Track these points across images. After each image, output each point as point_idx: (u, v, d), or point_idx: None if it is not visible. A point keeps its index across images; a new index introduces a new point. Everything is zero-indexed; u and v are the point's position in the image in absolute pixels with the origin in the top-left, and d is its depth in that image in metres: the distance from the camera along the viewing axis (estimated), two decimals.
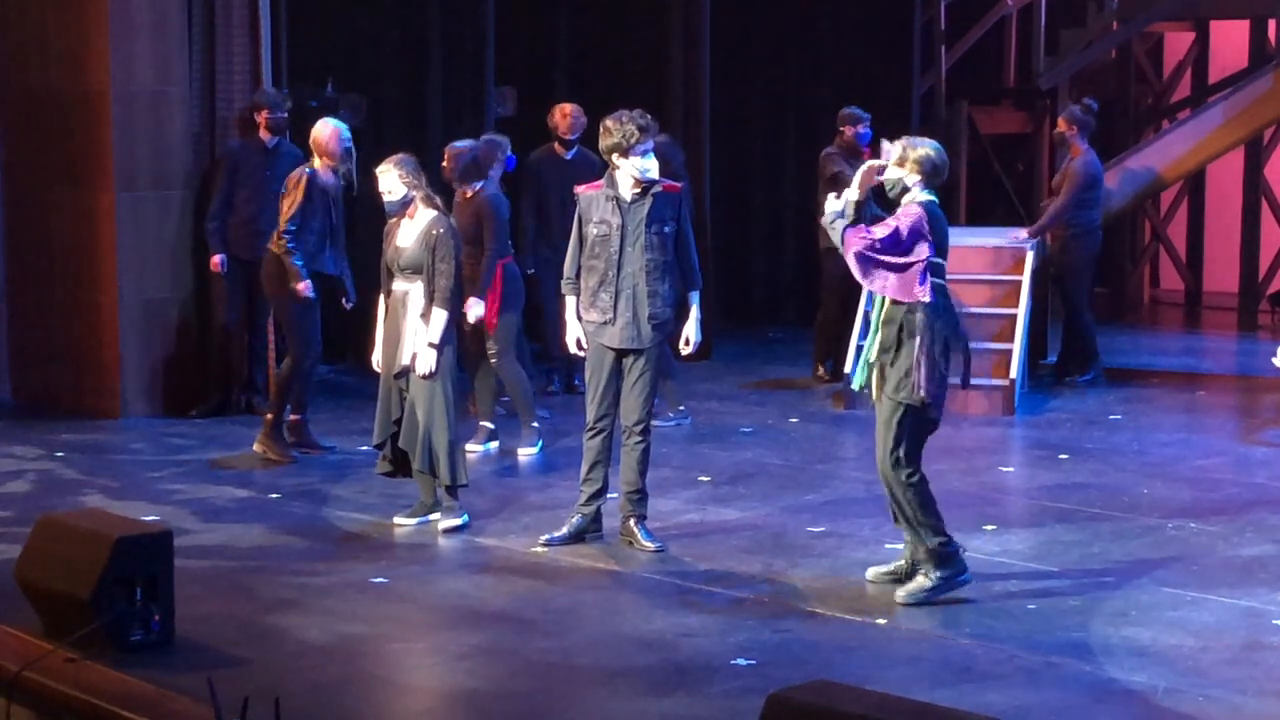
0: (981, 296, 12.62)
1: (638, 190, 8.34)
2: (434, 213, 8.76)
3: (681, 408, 11.35)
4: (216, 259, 11.34)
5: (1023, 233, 12.98)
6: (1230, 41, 17.48)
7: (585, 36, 14.80)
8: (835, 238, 7.60)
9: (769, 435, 11.26)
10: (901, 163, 7.62)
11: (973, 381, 11.88)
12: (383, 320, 8.90)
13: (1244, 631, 7.23)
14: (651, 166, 8.33)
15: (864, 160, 12.23)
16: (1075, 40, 16.72)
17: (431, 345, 8.63)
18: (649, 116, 8.38)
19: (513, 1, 13.91)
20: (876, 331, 7.60)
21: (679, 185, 8.58)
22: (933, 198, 7.64)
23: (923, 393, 7.44)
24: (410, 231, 8.76)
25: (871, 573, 7.90)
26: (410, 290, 8.73)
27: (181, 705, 6.19)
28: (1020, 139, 17.42)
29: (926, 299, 7.43)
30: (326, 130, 10.17)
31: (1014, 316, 12.34)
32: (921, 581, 7.59)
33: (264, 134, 11.36)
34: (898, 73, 15.78)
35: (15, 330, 12.10)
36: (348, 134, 10.24)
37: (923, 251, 7.44)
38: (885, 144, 7.79)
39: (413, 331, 8.69)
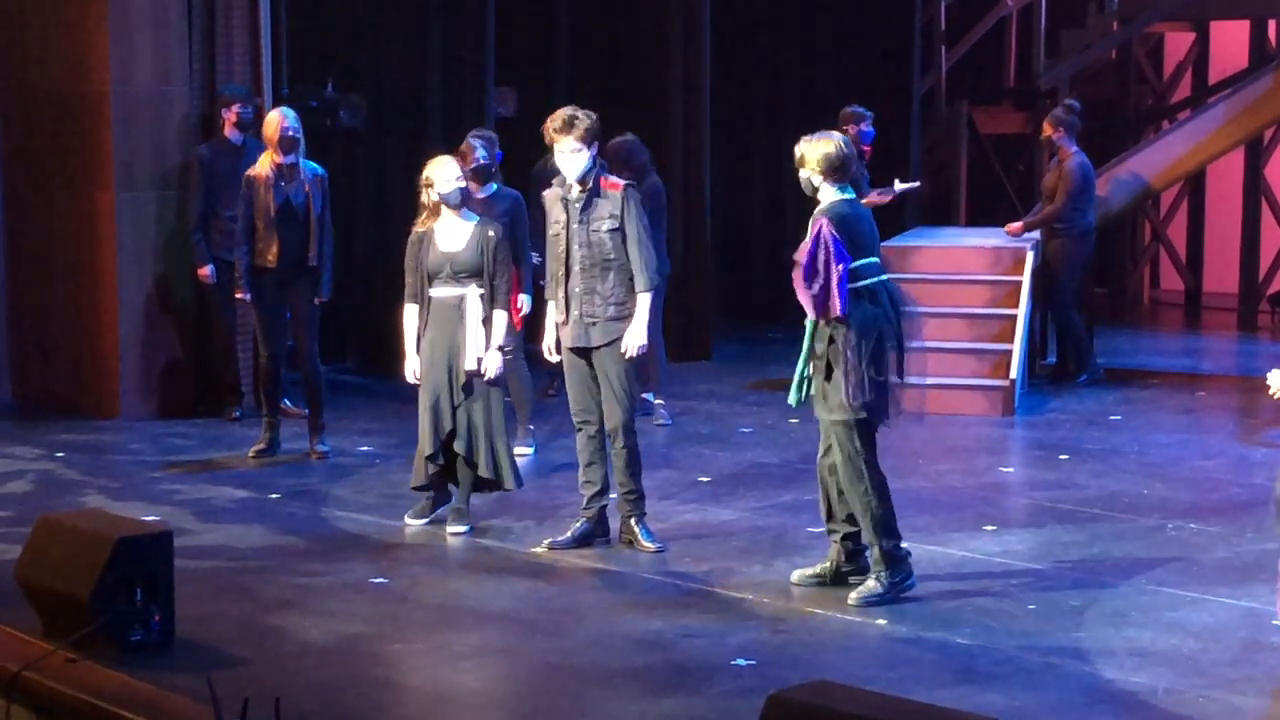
0: (981, 296, 12.62)
1: (578, 189, 8.33)
2: (476, 215, 8.76)
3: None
4: (205, 270, 11.33)
5: (1016, 226, 12.99)
6: (1230, 42, 17.49)
7: (585, 36, 14.80)
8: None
9: (769, 435, 11.26)
10: (802, 163, 7.58)
11: (973, 382, 11.99)
12: (419, 329, 8.75)
13: (1244, 632, 7.22)
14: (566, 165, 8.27)
15: (866, 159, 12.34)
16: (1075, 41, 16.73)
17: (500, 349, 8.66)
18: (580, 116, 8.22)
19: (513, 1, 13.91)
20: (810, 347, 7.56)
21: (619, 183, 8.41)
22: (845, 195, 7.60)
23: (853, 405, 7.47)
24: (457, 236, 8.68)
25: (796, 575, 7.87)
26: (466, 294, 8.68)
27: (181, 705, 6.18)
28: (1020, 139, 17.42)
29: (840, 314, 7.42)
30: (272, 117, 10.15)
31: (1014, 317, 12.34)
32: (872, 585, 7.59)
33: (231, 131, 11.31)
34: (898, 73, 15.80)
35: (15, 330, 12.11)
36: (292, 122, 10.12)
37: (833, 267, 7.42)
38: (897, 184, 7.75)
39: (476, 336, 8.66)
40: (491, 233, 8.70)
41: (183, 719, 6.12)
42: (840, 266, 7.41)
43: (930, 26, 16.44)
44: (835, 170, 7.55)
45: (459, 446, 8.68)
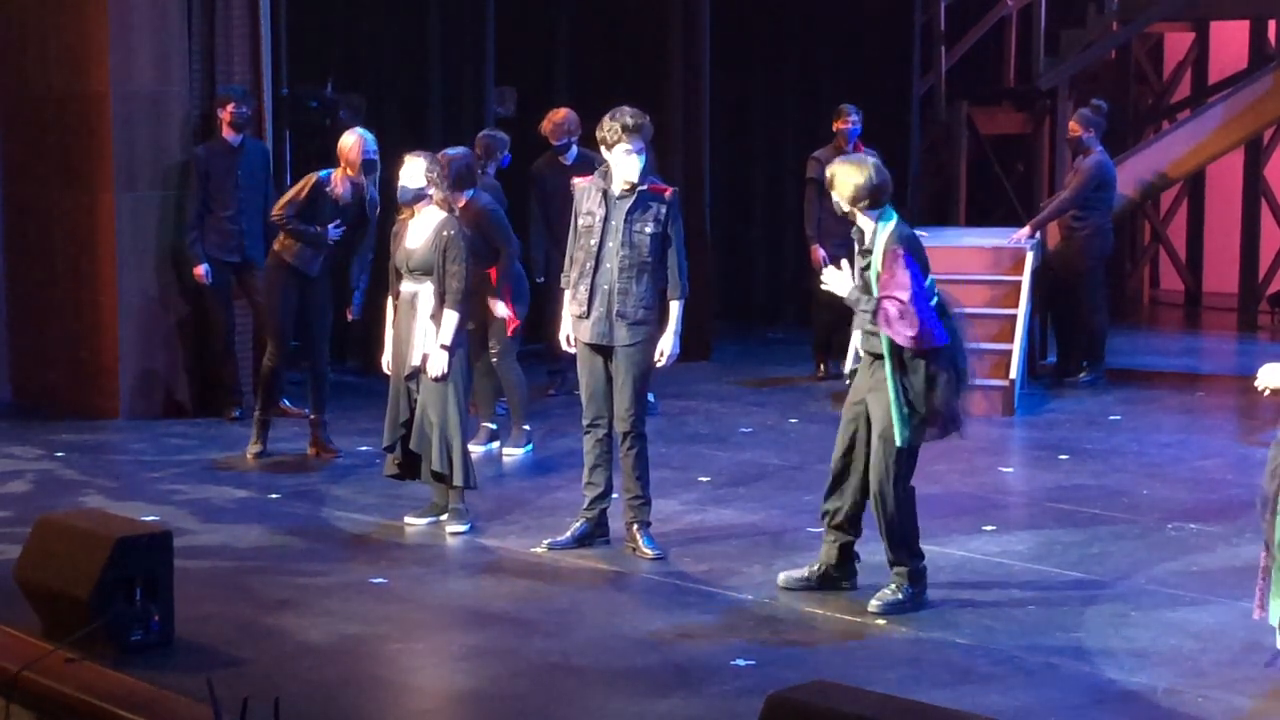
0: (981, 296, 12.62)
1: (626, 186, 8.32)
2: (445, 214, 8.76)
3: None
4: (200, 269, 11.33)
5: (1022, 232, 12.96)
6: (1230, 41, 17.49)
7: (585, 36, 14.80)
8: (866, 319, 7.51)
9: (769, 435, 11.26)
10: (831, 185, 7.55)
11: (973, 382, 11.96)
12: (391, 322, 8.89)
13: (1244, 633, 7.21)
14: (628, 166, 8.22)
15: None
16: (1075, 41, 16.73)
17: (443, 347, 8.62)
18: (645, 119, 8.28)
19: (513, 1, 13.91)
20: (901, 384, 7.40)
21: (669, 188, 8.40)
22: (895, 219, 7.54)
23: (959, 427, 7.53)
24: (420, 233, 8.74)
25: (783, 578, 7.84)
26: (419, 291, 8.71)
27: (181, 705, 6.19)
28: (1020, 139, 17.41)
29: (942, 343, 7.41)
30: (351, 139, 10.13)
31: (1014, 316, 12.34)
32: (892, 594, 7.56)
33: (228, 131, 11.31)
34: (898, 73, 15.79)
35: (15, 330, 12.11)
36: (373, 145, 10.14)
37: (927, 299, 7.40)
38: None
39: (422, 333, 8.67)
40: (445, 232, 8.70)
41: (183, 719, 6.12)
42: (927, 294, 7.43)
43: (930, 26, 16.43)
44: (863, 199, 7.50)
45: (412, 440, 8.72)
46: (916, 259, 7.43)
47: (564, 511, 8.91)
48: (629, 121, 8.20)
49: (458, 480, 8.71)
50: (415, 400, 8.75)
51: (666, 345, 8.38)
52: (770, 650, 7.00)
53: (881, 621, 7.40)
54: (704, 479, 10.00)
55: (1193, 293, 18.26)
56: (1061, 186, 13.50)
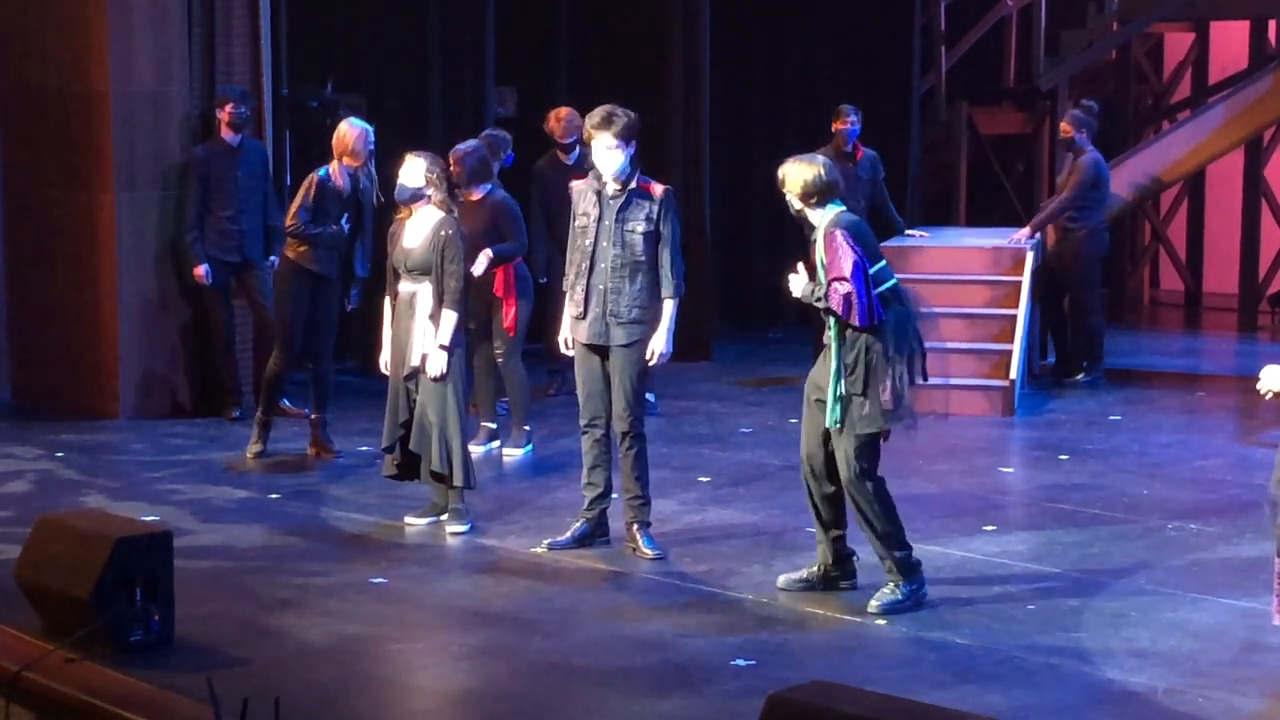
0: (981, 297, 12.62)
1: (616, 186, 8.30)
2: (442, 214, 8.75)
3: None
4: (200, 270, 11.32)
5: (1022, 232, 12.96)
6: (1230, 42, 17.49)
7: (585, 36, 14.80)
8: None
9: (769, 436, 11.26)
10: (783, 184, 7.61)
11: (973, 382, 11.99)
12: (389, 322, 8.89)
13: (1244, 633, 7.22)
14: (605, 161, 8.19)
15: (855, 158, 12.35)
16: (1075, 41, 16.74)
17: (442, 347, 8.62)
18: (622, 113, 8.21)
19: (513, 1, 13.91)
20: (840, 365, 7.51)
21: (661, 187, 8.37)
22: (839, 208, 7.59)
23: (897, 412, 7.46)
24: (417, 232, 8.74)
25: (783, 580, 7.86)
26: (418, 291, 8.71)
27: (181, 705, 6.19)
28: (1020, 139, 17.42)
29: (879, 320, 7.43)
30: (354, 131, 10.11)
31: (1014, 317, 12.34)
32: (890, 593, 7.57)
33: (226, 132, 11.30)
34: (898, 73, 15.79)
35: (15, 330, 12.11)
36: (371, 135, 10.11)
37: (865, 276, 7.41)
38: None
39: (421, 333, 8.67)
40: (444, 232, 8.69)
41: (183, 719, 6.12)
42: (867, 267, 7.43)
43: (930, 26, 16.44)
44: (813, 196, 7.55)
45: (411, 441, 8.72)
46: (858, 241, 7.46)
47: (564, 511, 8.91)
48: (597, 118, 8.21)
49: (457, 480, 8.71)
50: (414, 400, 8.74)
51: (658, 344, 8.36)
52: (770, 650, 7.00)
53: (881, 621, 7.40)
54: (704, 479, 10.00)
55: (1193, 293, 18.26)
56: (1058, 187, 13.50)
